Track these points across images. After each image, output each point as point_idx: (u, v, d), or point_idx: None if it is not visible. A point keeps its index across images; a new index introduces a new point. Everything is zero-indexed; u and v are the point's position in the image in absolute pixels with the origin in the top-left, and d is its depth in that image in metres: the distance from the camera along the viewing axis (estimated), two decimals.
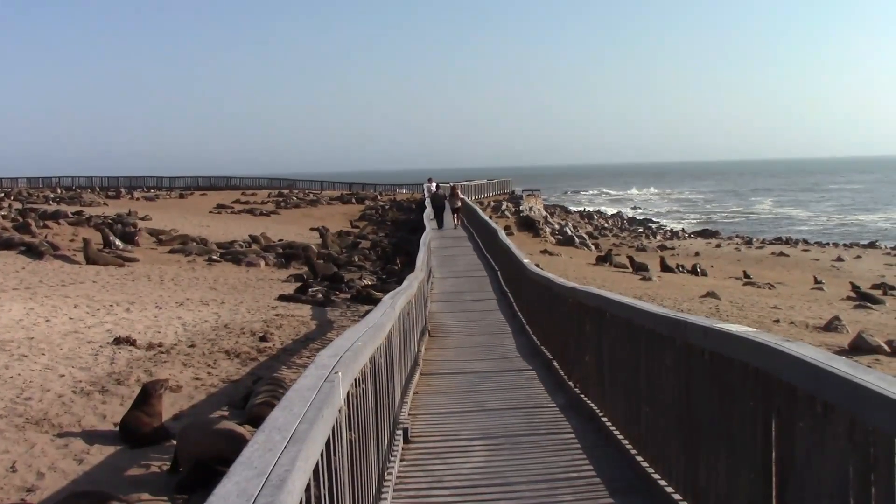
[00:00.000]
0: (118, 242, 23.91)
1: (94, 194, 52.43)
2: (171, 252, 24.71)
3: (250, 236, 29.22)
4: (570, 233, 41.32)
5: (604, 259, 29.26)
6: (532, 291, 12.18)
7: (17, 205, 39.00)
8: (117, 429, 7.63)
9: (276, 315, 14.64)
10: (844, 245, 45.64)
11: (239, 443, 6.50)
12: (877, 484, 2.42)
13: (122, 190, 60.56)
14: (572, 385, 8.05)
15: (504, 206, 46.31)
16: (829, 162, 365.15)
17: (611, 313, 6.32)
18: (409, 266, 18.26)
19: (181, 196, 56.03)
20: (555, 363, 9.32)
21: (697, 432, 4.16)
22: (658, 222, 67.63)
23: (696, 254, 37.50)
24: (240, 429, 6.86)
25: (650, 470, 5.03)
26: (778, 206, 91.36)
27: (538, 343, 10.95)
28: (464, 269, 21.70)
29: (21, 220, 27.97)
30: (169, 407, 8.30)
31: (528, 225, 40.10)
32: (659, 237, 50.14)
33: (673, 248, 40.18)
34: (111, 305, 14.51)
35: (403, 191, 61.39)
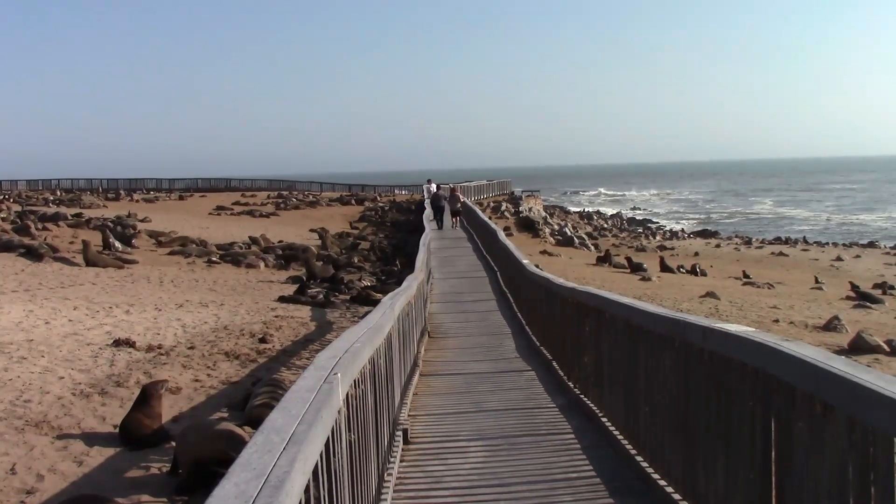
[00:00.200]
0: (118, 244, 23.91)
1: (93, 196, 52.42)
2: (170, 254, 24.71)
3: (250, 238, 29.21)
4: (569, 233, 41.33)
5: (604, 259, 29.26)
6: (531, 292, 12.18)
7: (17, 207, 38.99)
8: (117, 431, 7.62)
9: (276, 316, 14.64)
10: (844, 245, 45.66)
11: (238, 444, 6.50)
12: (876, 484, 2.42)
13: (122, 192, 60.57)
14: (572, 385, 8.05)
15: (503, 207, 46.31)
16: (828, 161, 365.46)
17: (610, 313, 6.32)
18: (409, 267, 18.25)
19: (181, 198, 56.04)
20: (554, 364, 9.33)
21: (697, 432, 4.16)
22: (657, 222, 67.65)
23: (696, 254, 37.51)
24: (239, 430, 6.86)
25: (650, 470, 5.03)
26: (777, 205, 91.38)
27: (538, 343, 10.95)
28: (463, 269, 21.70)
29: (20, 222, 27.96)
30: (168, 408, 8.30)
31: (528, 225, 40.10)
32: (658, 237, 50.14)
33: (672, 249, 40.18)
34: (111, 307, 14.50)
35: (403, 192, 61.39)
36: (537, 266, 14.50)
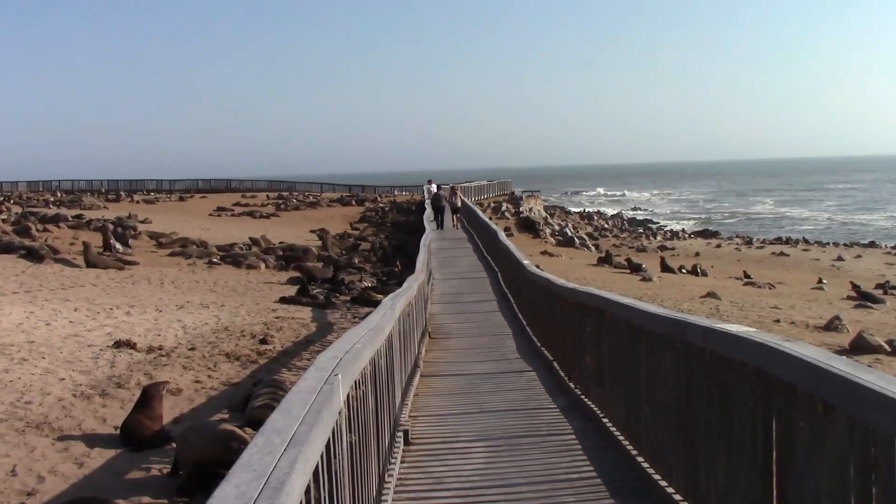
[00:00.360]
0: (118, 246, 23.91)
1: (94, 198, 52.44)
2: (171, 255, 24.71)
3: (250, 239, 29.21)
4: (570, 234, 41.32)
5: (605, 260, 29.25)
6: (532, 292, 12.18)
7: (18, 208, 39.01)
8: (118, 432, 7.62)
9: (277, 317, 14.64)
10: (844, 245, 45.64)
11: (238, 444, 6.50)
12: (877, 484, 2.42)
13: (122, 193, 60.61)
14: (573, 386, 8.05)
15: (504, 208, 46.31)
16: (829, 161, 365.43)
17: (611, 314, 6.32)
18: (409, 268, 18.26)
19: (181, 199, 56.08)
20: (555, 364, 9.32)
21: (697, 432, 4.15)
22: (658, 223, 67.64)
23: (697, 254, 37.49)
24: (239, 431, 6.86)
25: (651, 471, 5.03)
26: (778, 205, 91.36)
27: (538, 344, 10.95)
28: (464, 270, 21.70)
29: (21, 223, 27.96)
30: (169, 410, 8.30)
31: (528, 226, 40.10)
32: (659, 238, 50.12)
33: (673, 249, 40.17)
34: (111, 309, 14.50)
35: (403, 193, 61.42)
36: (538, 266, 14.49)
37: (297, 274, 21.75)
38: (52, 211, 36.37)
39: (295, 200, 53.79)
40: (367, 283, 20.29)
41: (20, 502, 6.15)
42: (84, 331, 12.37)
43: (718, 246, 42.96)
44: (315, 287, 19.02)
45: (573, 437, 6.39)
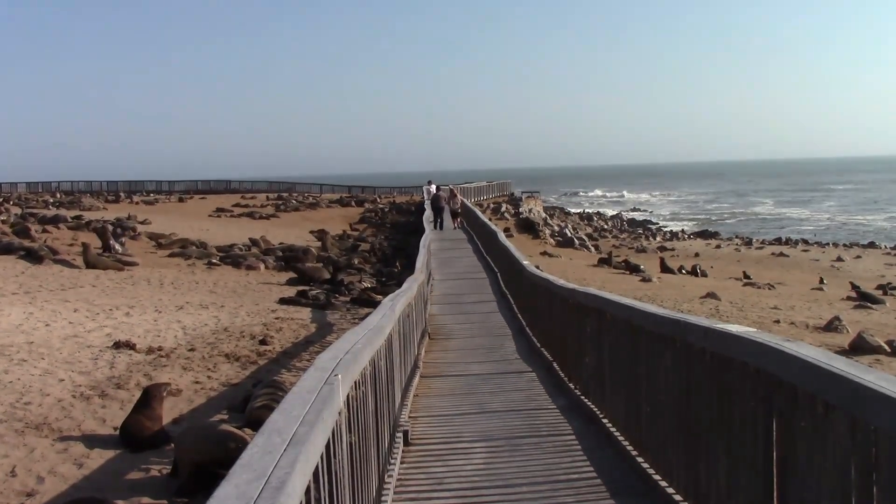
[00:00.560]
0: (118, 247, 23.88)
1: (93, 199, 52.42)
2: (170, 256, 24.70)
3: (250, 239, 29.20)
4: (569, 234, 41.33)
5: (606, 261, 29.25)
6: (532, 293, 12.18)
7: (17, 209, 38.99)
8: (117, 433, 7.62)
9: (276, 318, 14.63)
10: (844, 245, 45.65)
11: (237, 445, 6.50)
12: (879, 484, 2.41)
13: (122, 194, 60.58)
14: (573, 387, 8.05)
15: (503, 208, 46.31)
16: (828, 162, 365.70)
17: (611, 314, 6.31)
18: (409, 268, 18.25)
19: (180, 200, 56.05)
20: (555, 365, 9.32)
21: (698, 433, 4.15)
22: (658, 223, 67.66)
23: (696, 255, 37.50)
24: (238, 431, 6.86)
25: (651, 471, 5.03)
26: (778, 206, 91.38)
27: (538, 345, 10.94)
28: (463, 270, 21.70)
29: (21, 224, 27.95)
30: (169, 410, 8.29)
31: (528, 227, 40.09)
32: (659, 238, 50.14)
33: (673, 249, 40.18)
34: (111, 309, 14.49)
35: (402, 195, 61.44)
36: (537, 267, 14.50)
37: (295, 275, 21.73)
38: (52, 212, 36.34)
39: (294, 201, 53.77)
40: (366, 284, 20.28)
41: (20, 503, 6.14)
42: (83, 332, 12.36)
43: (718, 246, 42.97)
44: (314, 288, 19.01)
45: (573, 437, 6.38)
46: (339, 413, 2.98)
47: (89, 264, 20.55)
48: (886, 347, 12.49)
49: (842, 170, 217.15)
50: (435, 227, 32.07)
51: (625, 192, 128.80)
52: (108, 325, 13.07)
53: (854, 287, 22.52)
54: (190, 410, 8.70)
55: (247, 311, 15.26)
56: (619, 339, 6.06)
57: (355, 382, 3.61)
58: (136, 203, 51.84)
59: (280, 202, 52.71)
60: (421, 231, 27.03)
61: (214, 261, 23.78)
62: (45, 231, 27.34)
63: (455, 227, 34.23)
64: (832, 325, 14.85)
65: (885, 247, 43.87)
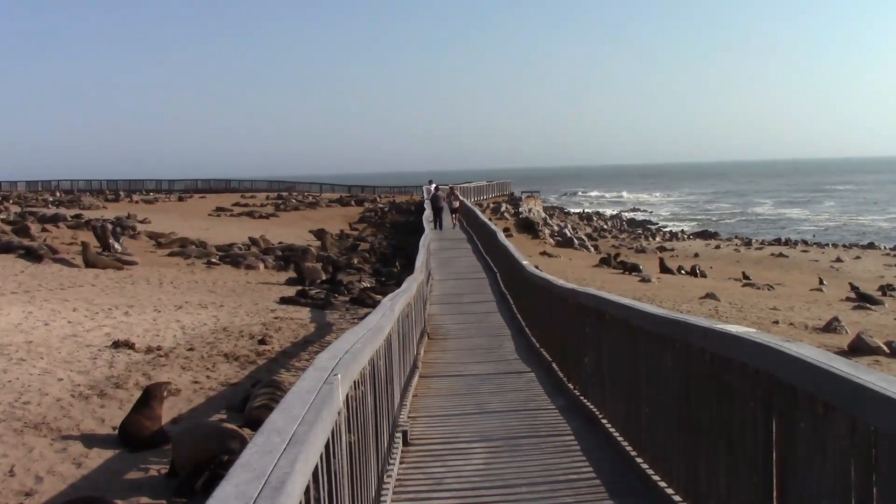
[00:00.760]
0: (117, 246, 23.87)
1: (93, 197, 52.38)
2: (170, 255, 24.69)
3: (249, 239, 29.20)
4: (569, 234, 41.34)
5: (606, 261, 29.25)
6: (531, 293, 12.17)
7: (17, 208, 38.97)
8: (116, 432, 7.61)
9: (275, 318, 14.63)
10: (843, 246, 45.69)
11: (229, 439, 6.50)
12: (878, 484, 2.41)
13: (122, 193, 60.54)
14: (572, 387, 8.04)
15: (503, 208, 46.32)
16: (828, 162, 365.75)
17: (610, 314, 6.31)
18: (409, 268, 18.25)
19: (180, 199, 56.03)
20: (554, 365, 9.32)
21: (698, 433, 4.15)
22: (657, 223, 67.68)
23: (696, 255, 37.52)
24: (229, 425, 6.86)
25: (650, 472, 5.02)
26: (777, 206, 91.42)
27: (537, 345, 10.94)
28: (463, 270, 21.70)
29: (20, 223, 27.92)
30: (168, 410, 8.28)
31: (528, 226, 40.11)
32: (658, 238, 50.17)
33: (672, 250, 40.20)
34: (110, 309, 14.49)
35: (402, 195, 61.45)
36: (537, 267, 14.50)
37: (295, 274, 21.71)
38: (51, 211, 36.30)
39: (294, 201, 53.77)
40: (366, 284, 20.28)
41: (18, 502, 6.14)
42: (82, 331, 12.36)
43: (717, 247, 42.99)
44: (313, 287, 19.00)
45: (572, 437, 6.38)
46: (339, 413, 2.97)
47: (89, 263, 20.54)
48: (885, 348, 12.49)
49: (842, 170, 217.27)
50: (434, 227, 32.10)
51: (624, 193, 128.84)
52: (107, 324, 13.06)
53: (853, 288, 22.54)
54: (189, 410, 8.69)
55: (246, 311, 15.25)
56: (618, 340, 6.06)
57: (354, 382, 3.60)
58: (136, 202, 51.83)
59: (280, 201, 52.71)
60: (421, 231, 27.03)
61: (214, 260, 23.78)
62: (44, 230, 27.31)
63: (454, 226, 34.27)
64: (831, 326, 14.85)
65: (885, 248, 43.90)
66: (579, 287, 8.73)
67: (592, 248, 37.85)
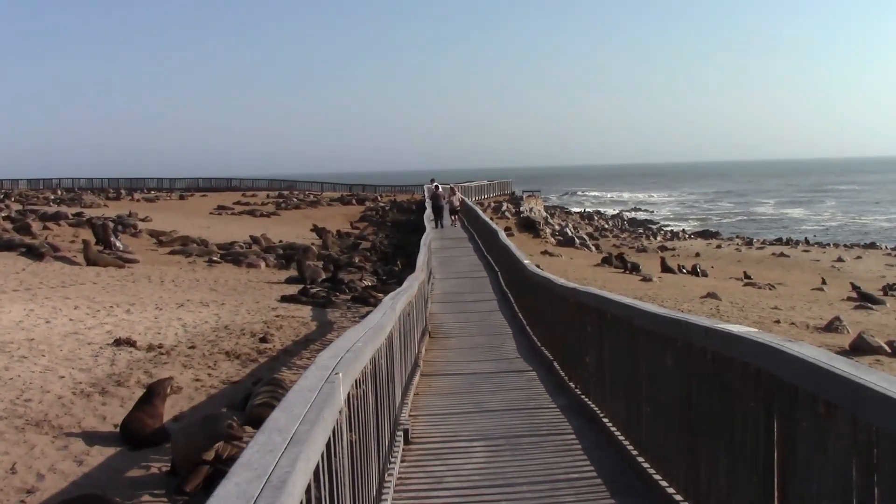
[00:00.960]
0: (118, 244, 23.88)
1: (94, 195, 52.40)
2: (171, 253, 24.70)
3: (251, 237, 29.21)
4: (570, 234, 41.33)
5: (608, 261, 29.23)
6: (532, 292, 12.17)
7: (18, 206, 38.98)
8: (117, 430, 7.62)
9: (277, 316, 14.63)
10: (845, 245, 45.65)
11: (213, 422, 6.50)
12: (880, 484, 2.41)
13: (123, 191, 60.54)
14: (573, 386, 8.04)
15: (504, 207, 46.31)
16: (829, 162, 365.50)
17: (611, 314, 6.31)
18: (410, 267, 18.25)
19: (181, 197, 56.03)
20: (555, 364, 9.32)
21: (698, 433, 4.14)
22: (658, 223, 67.65)
23: (697, 254, 37.50)
24: (222, 411, 6.89)
25: (651, 471, 5.02)
26: (779, 206, 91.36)
27: (539, 344, 10.94)
28: (464, 269, 21.70)
29: (22, 221, 27.94)
30: (169, 408, 8.29)
31: (529, 226, 40.11)
32: (659, 238, 50.14)
33: (673, 249, 40.18)
34: (111, 307, 14.49)
35: (403, 194, 61.44)
36: (538, 266, 14.50)
37: (296, 273, 21.70)
38: (53, 209, 36.32)
39: (295, 199, 53.77)
40: (367, 283, 20.28)
41: (20, 500, 6.14)
42: (84, 329, 12.37)
43: (719, 246, 42.96)
44: (314, 286, 19.00)
45: (573, 436, 6.38)
46: (340, 412, 2.97)
47: (90, 261, 20.55)
48: (887, 348, 12.48)
49: (844, 170, 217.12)
50: (436, 226, 32.12)
51: (626, 192, 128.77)
52: (108, 322, 13.07)
53: (854, 287, 22.51)
54: (190, 408, 8.70)
55: (247, 309, 15.26)
56: (619, 339, 6.06)
57: (356, 381, 3.60)
58: (138, 200, 51.82)
59: (281, 200, 52.71)
60: (422, 230, 27.03)
61: (215, 258, 23.78)
62: (45, 228, 27.32)
63: (453, 224, 34.29)
64: (833, 326, 14.85)
65: (886, 247, 43.86)
66: (580, 286, 8.72)
67: (593, 248, 37.83)
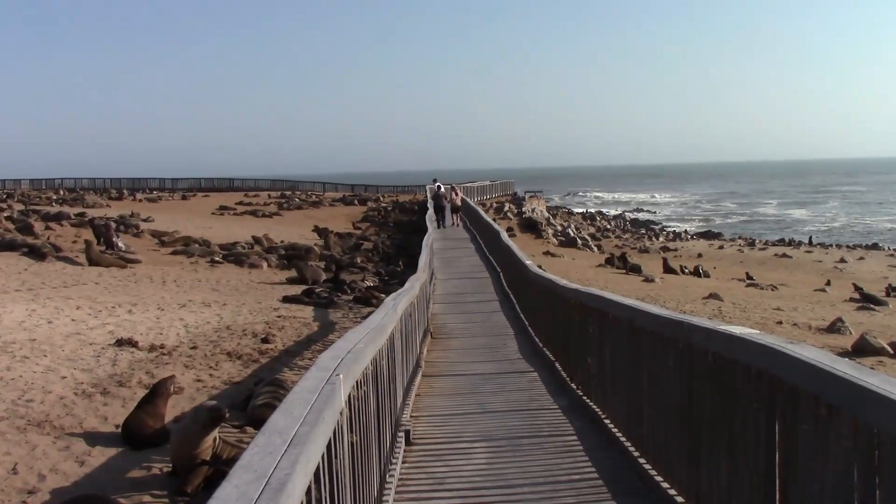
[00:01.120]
0: (120, 244, 23.90)
1: (96, 196, 52.45)
2: (173, 253, 24.72)
3: (253, 238, 29.22)
4: (572, 234, 41.30)
5: (610, 261, 29.21)
6: (534, 293, 12.17)
7: (20, 206, 39.03)
8: (119, 431, 7.62)
9: (278, 317, 14.64)
10: (848, 247, 45.58)
11: (198, 412, 6.50)
12: (882, 486, 2.41)
13: (125, 191, 60.61)
14: (574, 387, 8.04)
15: (506, 208, 46.31)
16: (832, 163, 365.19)
17: (613, 315, 6.30)
18: (412, 267, 18.25)
19: (184, 198, 56.07)
20: (557, 365, 9.31)
21: (700, 434, 4.14)
22: (660, 224, 67.60)
23: (699, 255, 37.45)
24: (210, 402, 6.90)
25: (653, 472, 5.02)
26: (781, 207, 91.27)
27: (540, 345, 10.93)
28: (466, 270, 21.70)
29: (24, 221, 27.97)
30: (171, 409, 8.29)
31: (531, 226, 40.10)
32: (661, 238, 50.10)
33: (676, 250, 40.13)
34: (113, 307, 14.51)
35: (405, 195, 61.46)
36: (540, 267, 14.49)
37: (297, 274, 21.70)
38: (55, 209, 36.36)
39: (297, 200, 53.79)
40: (369, 283, 20.28)
41: (21, 500, 6.15)
42: (86, 329, 12.38)
43: (721, 247, 42.91)
44: (318, 286, 19.00)
45: (575, 437, 6.37)
46: (341, 413, 2.97)
47: (92, 261, 20.57)
48: (889, 349, 12.46)
49: (847, 171, 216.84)
50: (438, 227, 32.13)
51: (628, 193, 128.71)
52: (110, 322, 13.08)
53: (857, 289, 22.48)
54: (191, 408, 8.70)
55: (249, 310, 15.27)
56: (621, 340, 6.05)
57: (357, 382, 3.60)
58: (140, 200, 51.86)
59: (283, 200, 52.74)
60: (424, 230, 27.03)
61: (217, 259, 23.80)
62: (48, 228, 27.35)
63: (454, 224, 34.32)
64: (835, 327, 14.82)
65: (889, 248, 43.78)
66: (582, 287, 8.72)
67: (596, 248, 37.81)
